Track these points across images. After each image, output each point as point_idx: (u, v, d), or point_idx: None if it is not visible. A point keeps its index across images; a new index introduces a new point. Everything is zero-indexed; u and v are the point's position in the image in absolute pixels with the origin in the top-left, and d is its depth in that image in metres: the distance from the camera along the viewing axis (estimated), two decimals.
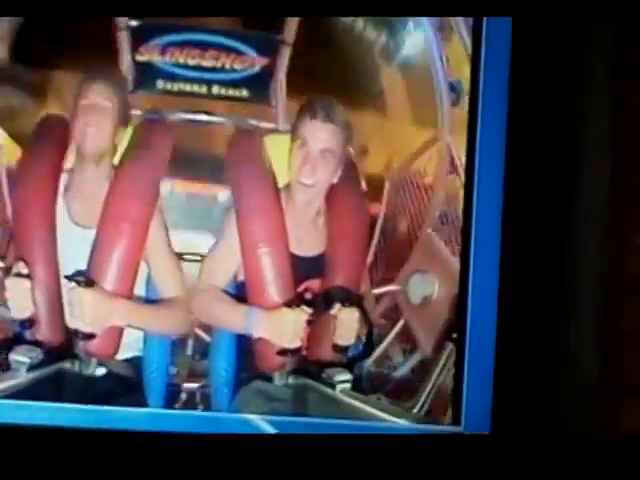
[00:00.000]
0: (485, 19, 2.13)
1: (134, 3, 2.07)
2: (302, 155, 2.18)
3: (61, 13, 2.06)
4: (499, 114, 2.13)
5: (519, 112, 2.13)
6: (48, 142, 2.18)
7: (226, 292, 2.24)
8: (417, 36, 2.25)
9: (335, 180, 2.21)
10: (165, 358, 2.26)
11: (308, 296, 2.22)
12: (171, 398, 2.28)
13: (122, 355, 2.22)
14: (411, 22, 2.24)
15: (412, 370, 2.30)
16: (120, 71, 2.25)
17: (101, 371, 2.19)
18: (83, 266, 2.14)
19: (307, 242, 2.24)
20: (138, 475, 2.08)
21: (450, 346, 2.21)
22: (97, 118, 2.15)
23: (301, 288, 2.22)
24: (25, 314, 2.11)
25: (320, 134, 2.17)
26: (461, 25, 2.21)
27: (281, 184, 2.24)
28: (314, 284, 2.24)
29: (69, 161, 2.21)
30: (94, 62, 2.19)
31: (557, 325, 2.23)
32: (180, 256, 2.25)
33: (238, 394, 2.25)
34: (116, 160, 2.20)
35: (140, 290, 2.23)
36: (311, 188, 2.20)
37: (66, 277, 2.14)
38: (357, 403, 2.15)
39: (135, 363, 2.25)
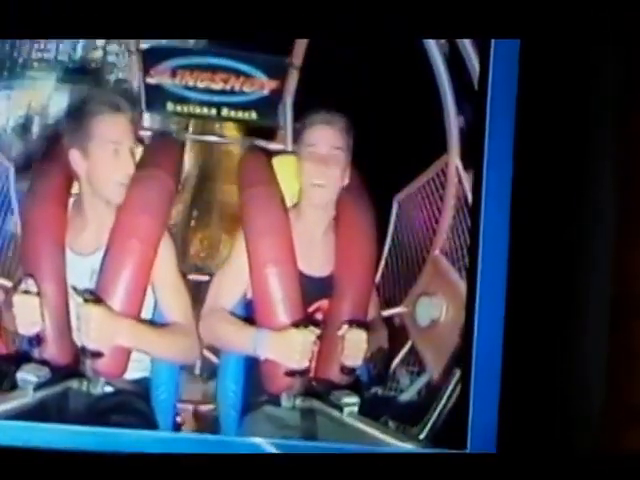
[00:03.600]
0: (493, 41, 2.15)
1: (143, 27, 2.11)
2: (312, 158, 2.20)
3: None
4: (507, 136, 2.13)
5: (527, 134, 2.15)
6: (58, 160, 2.18)
7: (233, 314, 2.24)
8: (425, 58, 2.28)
9: (346, 181, 2.23)
10: (174, 380, 2.25)
11: (319, 317, 2.24)
12: (179, 420, 2.29)
13: (130, 376, 2.22)
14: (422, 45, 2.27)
15: (419, 393, 2.30)
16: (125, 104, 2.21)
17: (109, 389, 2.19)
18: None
19: (316, 261, 2.25)
20: None
21: (458, 372, 2.20)
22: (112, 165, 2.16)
23: (312, 309, 2.24)
24: (33, 330, 2.11)
25: (326, 135, 2.21)
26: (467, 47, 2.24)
27: (289, 204, 2.25)
28: (324, 304, 2.25)
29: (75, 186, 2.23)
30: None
31: (563, 348, 2.23)
32: (185, 276, 2.26)
33: (246, 418, 2.25)
34: None
35: (148, 314, 2.23)
36: (324, 188, 2.21)
37: (74, 290, 2.15)
38: (364, 427, 2.15)
39: (143, 384, 2.25)
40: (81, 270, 2.19)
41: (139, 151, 2.23)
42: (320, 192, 2.23)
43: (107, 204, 2.18)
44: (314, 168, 2.21)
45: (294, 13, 2.05)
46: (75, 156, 2.16)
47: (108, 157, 2.15)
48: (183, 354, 2.25)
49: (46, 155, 2.20)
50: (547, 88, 2.20)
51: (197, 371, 2.31)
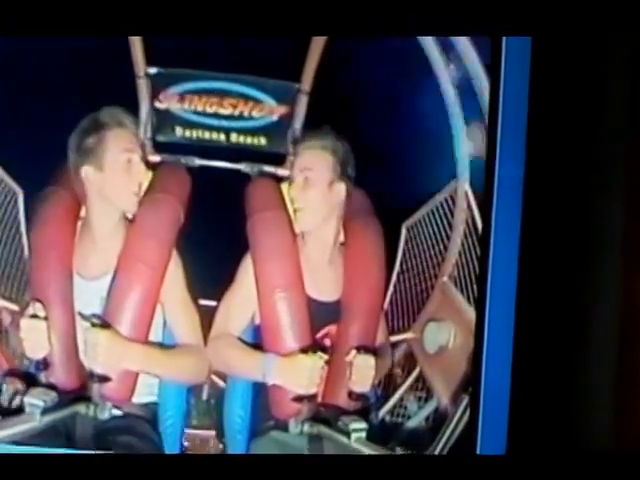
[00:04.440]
0: (504, 39, 2.15)
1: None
2: (290, 184, 2.24)
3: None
4: (517, 163, 2.13)
5: (537, 160, 2.14)
6: (66, 184, 2.19)
7: (241, 340, 2.24)
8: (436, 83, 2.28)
9: (337, 198, 2.22)
10: (181, 404, 2.25)
11: (327, 342, 2.24)
12: (187, 446, 2.28)
13: (138, 400, 2.22)
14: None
15: (427, 419, 2.29)
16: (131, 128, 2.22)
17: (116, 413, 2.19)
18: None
19: (325, 286, 2.25)
20: None
21: (466, 399, 2.19)
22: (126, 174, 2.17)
23: (320, 334, 2.23)
24: (40, 355, 2.12)
25: (301, 161, 2.22)
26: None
27: (298, 230, 2.25)
28: (332, 330, 2.25)
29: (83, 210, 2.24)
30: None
31: (572, 376, 2.22)
32: (195, 300, 2.26)
33: (253, 444, 2.24)
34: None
35: (157, 336, 2.23)
36: (303, 211, 2.22)
37: (81, 316, 2.16)
38: (372, 452, 2.14)
39: (151, 409, 2.25)
40: (89, 295, 2.19)
41: (148, 176, 2.24)
42: (301, 216, 2.24)
43: (119, 221, 2.19)
44: (292, 193, 2.23)
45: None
46: (88, 172, 2.16)
47: (122, 167, 2.17)
48: (192, 374, 2.25)
49: (54, 180, 2.19)
50: (558, 104, 2.21)
51: (205, 396, 2.31)
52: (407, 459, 2.13)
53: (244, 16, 2.04)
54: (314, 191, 2.22)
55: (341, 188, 2.23)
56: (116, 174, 2.17)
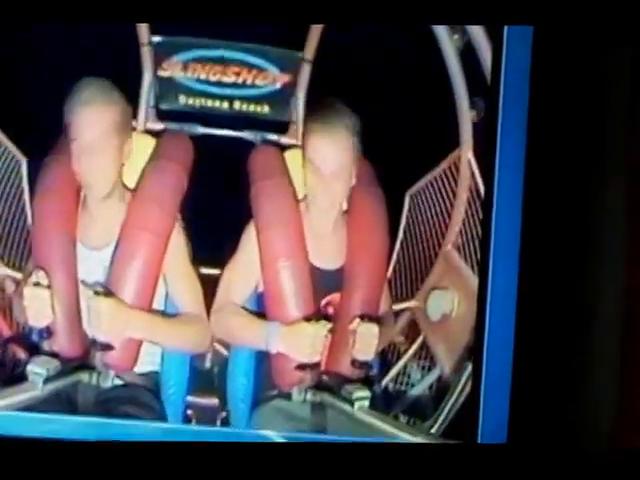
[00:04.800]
0: (506, 28, 2.14)
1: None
2: (316, 179, 2.17)
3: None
4: (519, 130, 2.13)
5: (540, 128, 2.14)
6: (68, 151, 2.15)
7: (244, 308, 2.24)
8: (438, 52, 2.27)
9: (353, 182, 2.21)
10: (184, 373, 2.26)
11: (330, 311, 2.23)
12: (189, 414, 2.28)
13: (140, 369, 2.22)
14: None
15: (430, 387, 2.30)
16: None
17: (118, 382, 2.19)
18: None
19: (328, 254, 2.24)
20: None
21: (470, 366, 2.19)
22: (97, 161, 2.13)
23: (323, 302, 2.23)
24: (43, 323, 2.12)
25: (327, 154, 2.16)
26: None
27: (300, 195, 2.24)
28: (336, 298, 2.25)
29: None
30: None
31: (576, 342, 2.23)
32: (199, 270, 2.26)
33: (256, 412, 2.24)
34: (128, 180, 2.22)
35: (159, 305, 2.23)
36: (331, 207, 2.20)
37: (84, 284, 2.16)
38: (375, 420, 2.15)
39: (152, 378, 2.25)
40: (92, 264, 2.19)
41: (152, 143, 2.24)
42: (327, 211, 2.21)
43: (114, 191, 2.17)
44: (318, 190, 2.19)
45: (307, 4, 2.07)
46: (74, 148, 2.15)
47: (100, 149, 2.14)
48: (195, 343, 2.25)
49: (57, 148, 2.18)
50: (560, 78, 2.20)
51: (207, 364, 2.31)
52: (409, 447, 2.15)
53: None
54: (343, 186, 2.19)
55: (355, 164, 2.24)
56: (94, 156, 2.14)
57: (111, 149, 2.14)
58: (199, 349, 2.28)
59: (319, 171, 2.17)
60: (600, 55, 2.22)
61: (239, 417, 2.24)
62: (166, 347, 2.24)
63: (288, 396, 2.20)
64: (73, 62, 2.19)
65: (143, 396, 2.22)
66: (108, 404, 2.17)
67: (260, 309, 2.23)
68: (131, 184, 2.21)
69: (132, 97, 2.22)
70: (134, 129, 2.25)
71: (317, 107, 2.24)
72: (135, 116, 2.32)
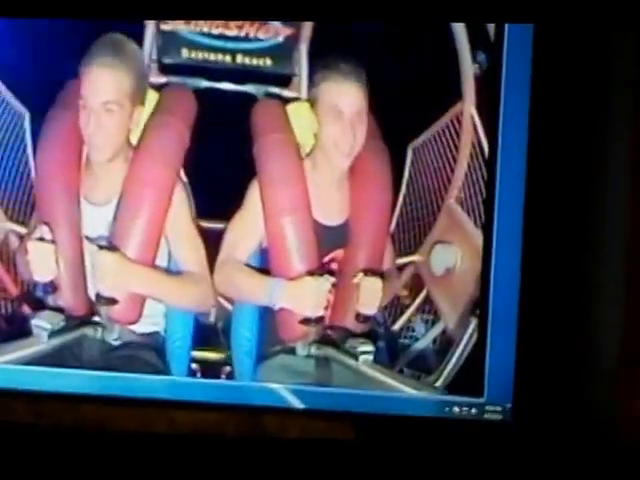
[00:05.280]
0: (507, 26, 2.15)
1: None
2: (339, 125, 2.17)
3: None
4: (523, 84, 2.12)
5: (544, 82, 2.14)
6: (73, 106, 2.16)
7: (248, 265, 2.23)
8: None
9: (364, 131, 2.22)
10: (188, 328, 2.26)
11: (334, 267, 2.23)
12: (194, 368, 2.29)
13: (143, 329, 2.24)
14: None
15: (434, 341, 2.29)
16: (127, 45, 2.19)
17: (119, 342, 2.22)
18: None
19: (332, 210, 2.24)
20: (160, 445, 2.10)
21: (474, 320, 2.20)
22: (106, 124, 2.14)
23: (327, 259, 2.23)
24: (47, 277, 2.13)
25: (350, 98, 2.17)
26: None
27: (304, 152, 2.23)
28: (339, 254, 2.25)
29: None
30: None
31: (581, 297, 2.22)
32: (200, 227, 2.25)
33: (260, 366, 2.25)
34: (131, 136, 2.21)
35: (163, 261, 2.23)
36: (350, 155, 2.19)
37: (87, 239, 2.17)
38: (379, 374, 2.17)
39: (156, 337, 2.26)
40: (96, 220, 2.19)
41: (154, 97, 2.22)
42: (343, 158, 2.20)
43: (118, 150, 2.17)
44: (343, 137, 2.18)
45: None
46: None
47: (105, 115, 2.14)
48: (197, 302, 2.25)
49: (61, 101, 2.17)
50: (565, 32, 2.20)
51: (212, 319, 2.31)
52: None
53: None
54: (363, 130, 2.19)
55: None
56: (104, 118, 2.14)
57: (122, 115, 2.15)
58: (201, 308, 2.27)
59: (342, 115, 2.16)
60: (601, 55, 2.22)
61: (244, 371, 2.24)
62: (168, 304, 2.24)
63: (292, 351, 2.22)
64: (76, 16, 2.19)
65: (145, 355, 2.24)
66: (112, 361, 2.19)
67: (264, 265, 2.23)
68: (133, 139, 2.20)
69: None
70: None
71: (327, 61, 2.21)
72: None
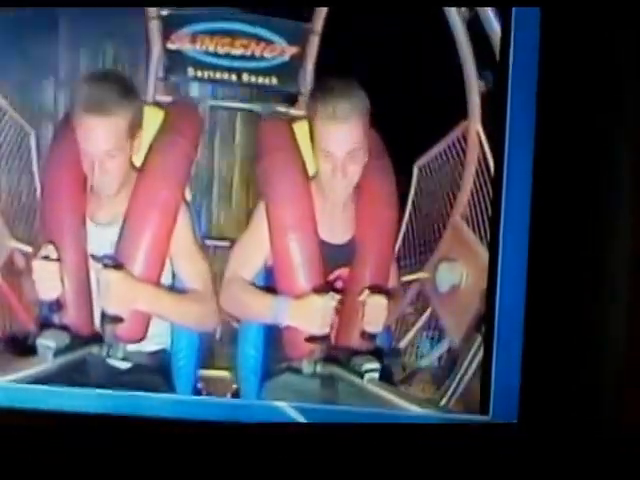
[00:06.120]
0: (514, 10, 2.14)
1: None
2: (330, 164, 2.13)
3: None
4: (528, 101, 2.13)
5: (549, 99, 2.14)
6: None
7: (254, 284, 2.23)
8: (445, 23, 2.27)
9: (366, 159, 2.17)
10: (194, 346, 2.26)
11: (339, 285, 2.22)
12: (200, 387, 2.28)
13: (149, 347, 2.23)
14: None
15: (439, 359, 2.30)
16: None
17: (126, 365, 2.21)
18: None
19: (337, 229, 2.24)
20: (163, 462, 2.09)
21: (479, 338, 2.20)
22: (109, 167, 2.11)
23: (332, 277, 2.23)
24: (52, 296, 2.12)
25: (340, 137, 2.12)
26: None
27: (311, 171, 2.22)
28: (344, 272, 2.24)
29: None
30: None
31: (586, 313, 2.22)
32: (204, 242, 2.26)
33: (266, 384, 2.25)
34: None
35: (167, 279, 2.23)
36: (346, 188, 2.17)
37: (93, 258, 2.16)
38: (384, 393, 2.16)
39: (161, 357, 2.26)
40: (101, 239, 2.18)
41: (160, 116, 2.21)
42: (340, 192, 2.18)
43: (123, 177, 2.15)
44: (334, 174, 2.14)
45: None
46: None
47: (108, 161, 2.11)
48: (201, 321, 2.25)
49: (65, 120, 2.17)
50: (569, 54, 2.20)
51: (217, 337, 2.31)
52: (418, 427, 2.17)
53: None
54: (357, 166, 2.15)
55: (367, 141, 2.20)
56: (107, 163, 2.10)
57: (124, 154, 2.13)
58: (205, 326, 2.27)
59: (332, 156, 2.13)
60: (609, 29, 2.23)
61: (249, 389, 2.24)
62: (172, 322, 2.24)
63: (298, 369, 2.20)
64: (83, 37, 2.20)
65: (150, 378, 2.22)
66: (118, 381, 2.18)
67: (269, 283, 2.23)
68: (137, 161, 2.19)
69: (141, 71, 2.24)
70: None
71: (327, 89, 2.15)
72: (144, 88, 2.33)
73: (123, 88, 2.11)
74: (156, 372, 2.25)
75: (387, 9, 2.20)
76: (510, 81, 2.14)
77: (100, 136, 2.07)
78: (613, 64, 2.22)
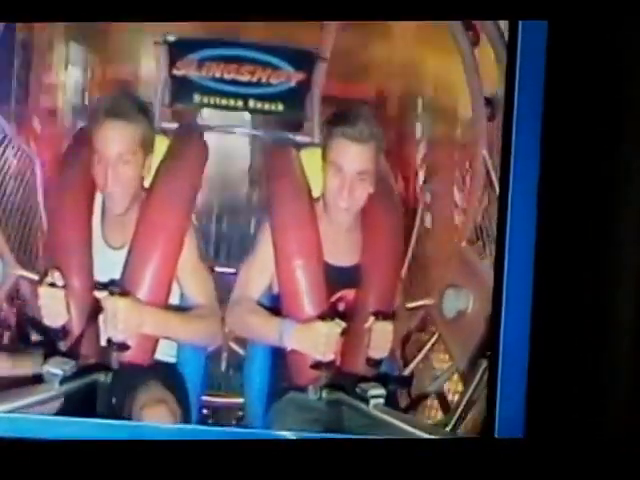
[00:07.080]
0: (521, 23, 2.14)
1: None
2: (338, 180, 2.15)
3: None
4: (534, 127, 2.13)
5: (555, 124, 2.14)
6: (84, 153, 2.17)
7: (260, 304, 2.23)
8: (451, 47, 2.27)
9: (372, 190, 2.18)
10: (200, 372, 2.25)
11: (341, 306, 2.23)
12: (206, 413, 2.28)
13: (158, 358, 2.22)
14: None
15: (445, 384, 2.29)
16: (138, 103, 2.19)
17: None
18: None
19: (342, 252, 2.24)
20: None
21: (485, 363, 2.19)
22: (122, 174, 2.13)
23: (334, 298, 2.23)
24: (58, 322, 2.12)
25: (354, 156, 2.14)
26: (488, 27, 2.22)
27: (316, 194, 2.23)
28: (348, 294, 2.24)
29: None
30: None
31: (591, 338, 2.23)
32: (212, 269, 2.26)
33: (272, 410, 2.24)
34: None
35: (175, 299, 2.23)
36: (349, 210, 2.18)
37: (99, 285, 2.15)
38: (390, 418, 2.16)
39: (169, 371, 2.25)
40: (111, 263, 2.18)
41: (165, 143, 2.22)
42: (344, 213, 2.19)
43: (132, 197, 2.16)
44: (341, 192, 2.15)
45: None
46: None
47: (121, 166, 2.13)
48: (208, 336, 2.26)
49: (73, 149, 2.20)
50: (574, 81, 2.20)
51: (223, 364, 2.31)
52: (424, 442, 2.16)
53: None
54: (364, 191, 2.16)
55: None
56: (120, 169, 2.12)
57: (137, 163, 2.15)
58: (211, 342, 2.29)
59: (342, 172, 2.14)
60: (614, 54, 2.23)
61: (255, 415, 2.24)
62: (179, 341, 2.24)
63: (304, 395, 2.18)
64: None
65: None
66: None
67: (275, 305, 2.23)
68: (147, 184, 2.20)
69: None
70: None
71: (346, 111, 2.19)
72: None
73: (139, 105, 2.16)
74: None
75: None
76: (516, 109, 2.14)
77: (117, 138, 2.10)
78: (620, 78, 2.23)
